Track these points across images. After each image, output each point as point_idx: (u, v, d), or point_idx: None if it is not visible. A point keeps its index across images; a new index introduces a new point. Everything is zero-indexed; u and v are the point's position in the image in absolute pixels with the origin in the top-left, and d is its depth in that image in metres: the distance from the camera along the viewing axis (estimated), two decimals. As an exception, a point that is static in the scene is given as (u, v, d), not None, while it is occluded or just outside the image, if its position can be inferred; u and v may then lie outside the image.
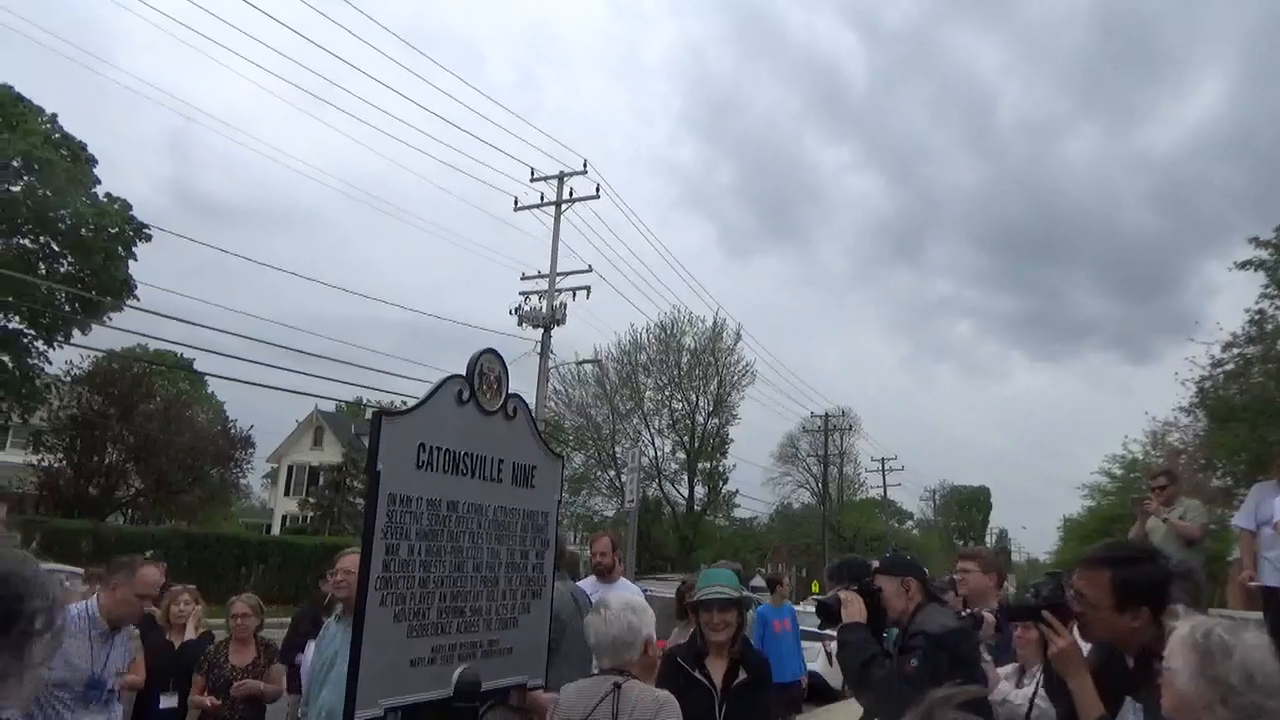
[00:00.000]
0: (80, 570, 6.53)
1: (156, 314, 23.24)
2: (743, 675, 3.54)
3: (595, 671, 3.26)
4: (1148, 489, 8.08)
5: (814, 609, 3.83)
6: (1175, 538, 6.97)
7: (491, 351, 3.71)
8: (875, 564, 3.82)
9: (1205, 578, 7.49)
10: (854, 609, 3.36)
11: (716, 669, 3.56)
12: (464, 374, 3.49)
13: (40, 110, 27.04)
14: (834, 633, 3.82)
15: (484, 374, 3.58)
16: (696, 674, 3.55)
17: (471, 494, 3.45)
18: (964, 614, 4.59)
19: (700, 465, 43.44)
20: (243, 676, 5.23)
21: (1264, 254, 16.15)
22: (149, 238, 28.45)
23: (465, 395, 3.46)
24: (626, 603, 3.28)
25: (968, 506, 72.46)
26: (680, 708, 3.38)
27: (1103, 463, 32.52)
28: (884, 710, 3.22)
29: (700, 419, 42.94)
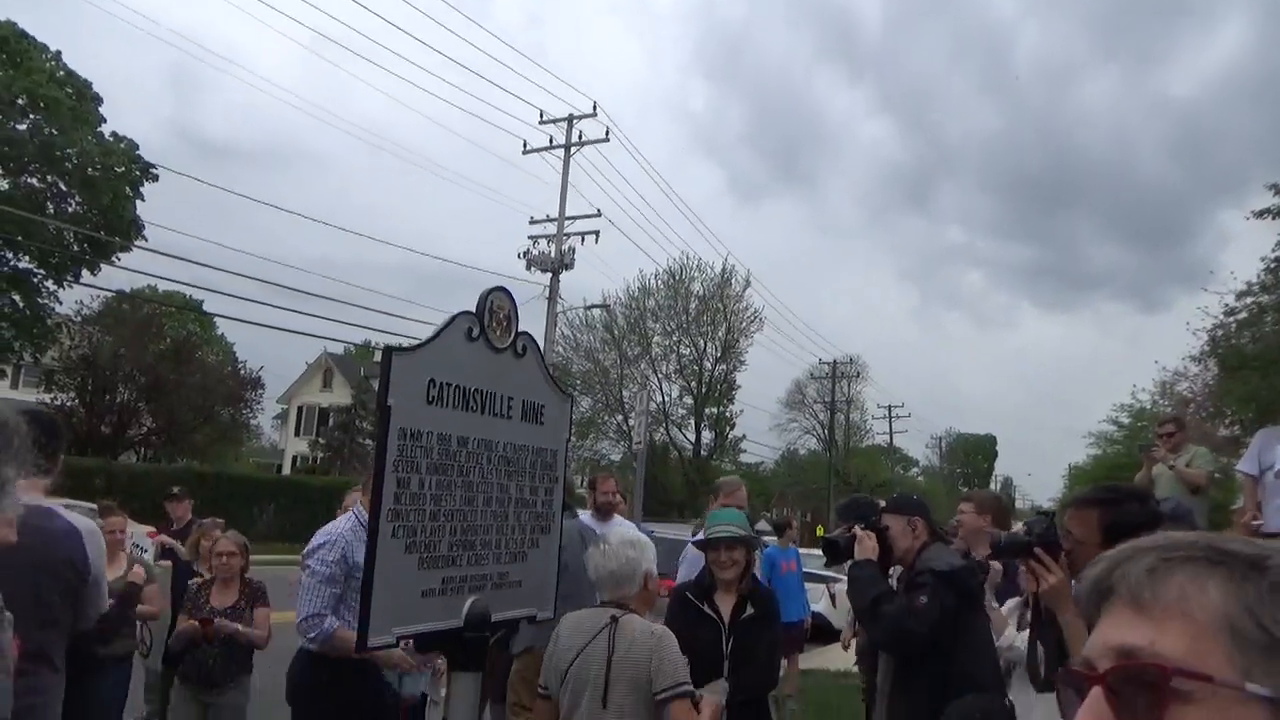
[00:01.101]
0: (94, 506, 6.65)
1: (165, 254, 23.25)
2: (750, 611, 3.60)
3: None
4: (1155, 436, 8.09)
5: (820, 547, 3.87)
6: (1181, 485, 7.00)
7: (501, 289, 3.70)
8: (883, 503, 3.85)
9: (1206, 524, 7.54)
10: (867, 546, 3.40)
11: (725, 604, 3.62)
12: (474, 311, 3.48)
13: (44, 47, 26.71)
14: (836, 575, 3.87)
15: (494, 311, 3.58)
16: (705, 608, 3.61)
17: (481, 430, 3.47)
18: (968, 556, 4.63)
19: (707, 410, 43.68)
20: (207, 638, 4.78)
21: (1281, 201, 15.91)
22: (156, 178, 28.32)
23: (475, 332, 3.46)
24: (625, 538, 3.34)
25: (973, 454, 72.85)
26: (689, 641, 3.44)
27: (1111, 412, 32.57)
28: (893, 643, 3.27)
29: (708, 365, 43.08)
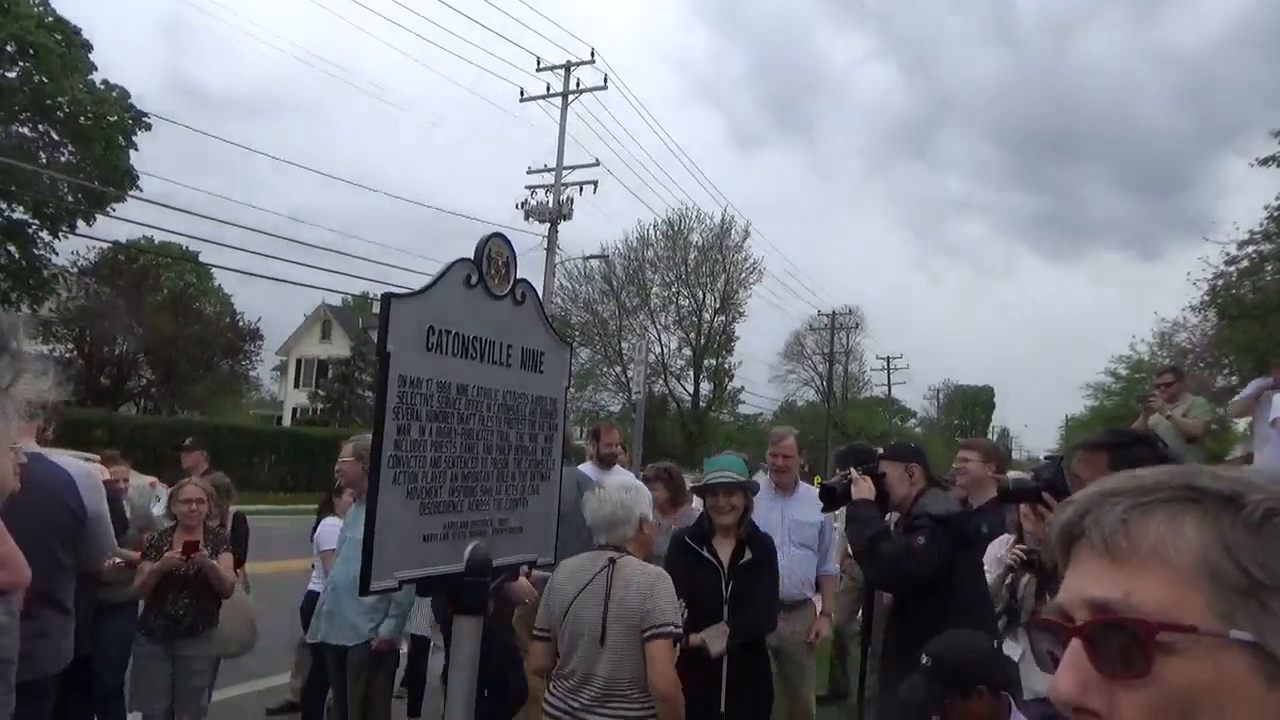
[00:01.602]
0: (96, 457, 6.67)
1: (160, 204, 23.01)
2: (749, 555, 3.64)
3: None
4: (1153, 387, 8.12)
5: (819, 495, 3.90)
6: (1177, 434, 7.04)
7: (499, 236, 3.67)
8: (880, 451, 3.87)
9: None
10: (864, 487, 3.44)
11: (723, 549, 3.66)
12: (471, 258, 3.46)
13: (31, -9, 26.19)
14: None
15: (492, 258, 3.56)
16: (704, 553, 3.65)
17: (481, 377, 3.47)
18: (965, 503, 4.67)
19: (706, 362, 43.74)
20: (185, 568, 4.55)
21: (1287, 149, 15.73)
22: (149, 126, 27.99)
23: (473, 279, 3.44)
24: (621, 483, 3.38)
25: (971, 406, 73.14)
26: (689, 585, 3.48)
27: (1109, 363, 32.64)
28: (890, 581, 3.32)
29: (707, 316, 43.04)
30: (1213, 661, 0.60)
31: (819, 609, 5.03)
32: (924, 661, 2.62)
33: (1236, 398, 6.44)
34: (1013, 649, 2.65)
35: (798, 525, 4.80)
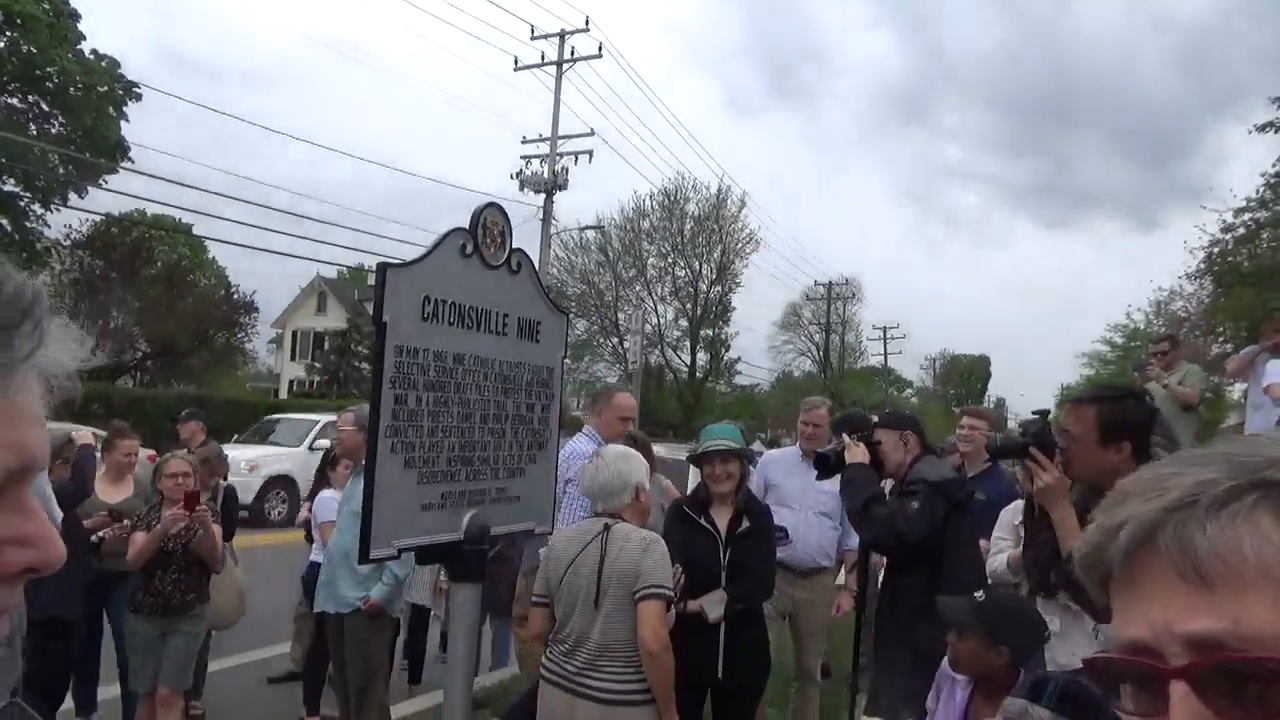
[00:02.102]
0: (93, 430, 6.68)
1: (152, 176, 22.83)
2: (746, 523, 3.66)
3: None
4: (1149, 355, 8.16)
5: (814, 462, 3.93)
6: (1173, 403, 7.08)
7: (494, 205, 3.66)
8: (876, 419, 3.89)
9: (1192, 443, 7.67)
10: (858, 452, 3.46)
11: (721, 517, 3.69)
12: (467, 228, 3.45)
13: (16, -40, 25.79)
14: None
15: (487, 227, 3.54)
16: (701, 521, 3.67)
17: (477, 347, 3.47)
18: (960, 470, 4.71)
19: (703, 332, 43.72)
20: (173, 543, 4.50)
21: (1285, 116, 15.66)
22: (139, 97, 27.69)
23: (469, 249, 3.44)
24: (618, 452, 3.40)
25: (967, 375, 73.28)
26: (687, 553, 3.51)
27: (1105, 332, 32.70)
28: (885, 543, 3.36)
29: (703, 286, 42.94)
30: None
31: (840, 582, 5.05)
32: (978, 595, 2.64)
33: (1233, 356, 6.45)
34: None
35: (819, 493, 4.78)
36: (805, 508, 4.88)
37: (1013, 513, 3.54)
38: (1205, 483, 0.58)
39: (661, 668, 2.96)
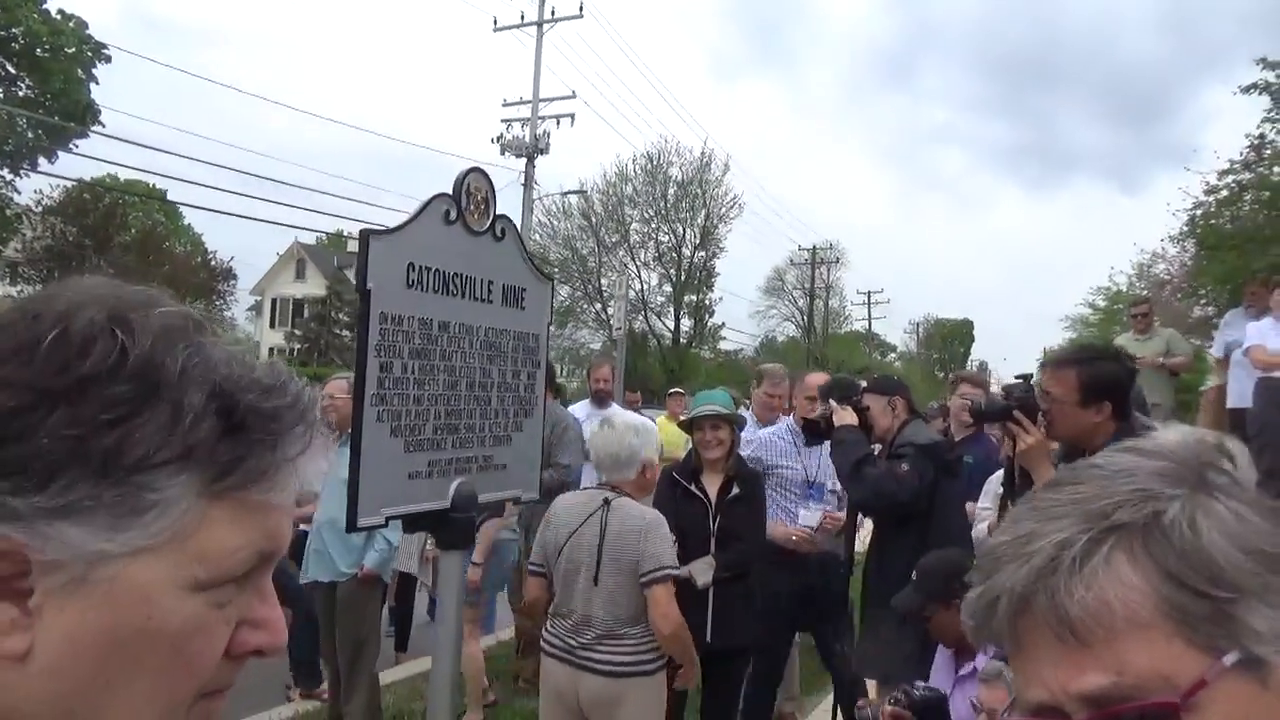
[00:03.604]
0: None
1: (124, 141, 22.42)
2: (736, 490, 3.66)
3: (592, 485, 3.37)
4: (1130, 317, 8.24)
5: (801, 427, 3.93)
6: (1157, 372, 7.17)
7: (478, 170, 3.60)
8: (864, 384, 3.89)
9: (1173, 403, 7.76)
10: (846, 415, 3.46)
11: (711, 483, 3.69)
12: (450, 193, 3.40)
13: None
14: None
15: (471, 193, 3.49)
16: (692, 488, 3.67)
17: (462, 314, 3.43)
18: (947, 434, 4.73)
19: (686, 298, 43.68)
20: None
21: (1270, 76, 15.61)
22: (108, 59, 27.09)
23: (453, 215, 3.38)
24: (630, 424, 3.35)
25: (950, 339, 73.70)
26: (677, 519, 3.51)
27: (1087, 295, 32.88)
28: (875, 503, 3.38)
29: (687, 252, 42.83)
30: (1226, 694, 0.59)
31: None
32: (913, 575, 2.71)
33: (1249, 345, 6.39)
34: None
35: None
36: (822, 482, 4.87)
37: (996, 482, 3.57)
38: (1063, 543, 0.62)
39: (679, 643, 2.99)
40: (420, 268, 3.22)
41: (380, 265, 3.06)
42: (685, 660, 3.08)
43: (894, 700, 2.49)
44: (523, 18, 25.49)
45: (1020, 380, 2.89)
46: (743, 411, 5.07)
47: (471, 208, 3.49)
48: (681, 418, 4.73)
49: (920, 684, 2.81)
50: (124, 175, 32.77)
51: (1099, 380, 2.60)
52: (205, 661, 0.58)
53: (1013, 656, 0.67)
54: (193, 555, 0.56)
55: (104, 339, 0.54)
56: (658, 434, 3.38)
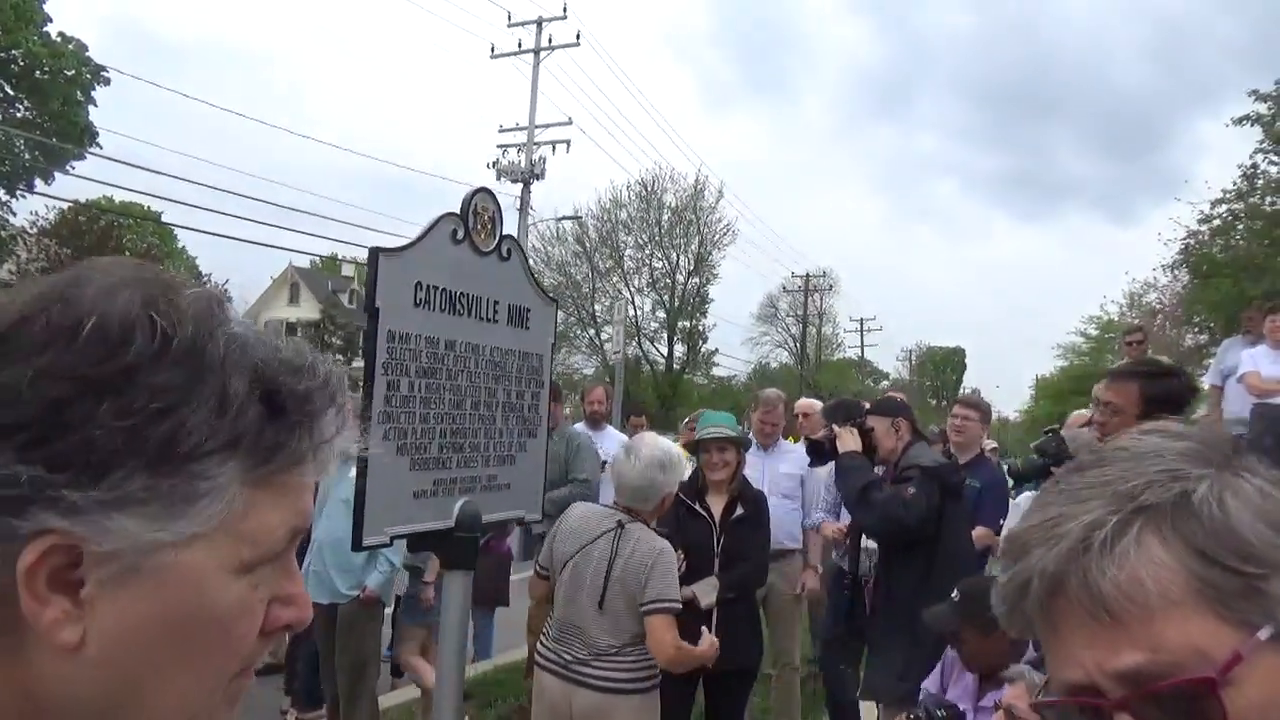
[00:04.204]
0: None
1: (121, 162, 22.42)
2: (740, 511, 3.66)
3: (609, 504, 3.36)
4: (1124, 344, 8.29)
5: (806, 449, 3.93)
6: None
7: (485, 190, 3.63)
8: (867, 405, 3.90)
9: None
10: (849, 440, 3.46)
11: (716, 504, 3.69)
12: (458, 213, 3.42)
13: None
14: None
15: (478, 213, 3.52)
16: (696, 507, 3.67)
17: (468, 334, 3.45)
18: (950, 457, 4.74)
19: (680, 324, 43.77)
20: None
21: (1262, 108, 15.87)
22: (107, 81, 27.19)
23: (460, 234, 3.40)
24: (656, 459, 3.15)
25: (943, 366, 73.87)
26: (681, 539, 3.50)
27: (1079, 323, 33.07)
28: (883, 529, 3.36)
29: (680, 278, 43.02)
30: (1261, 668, 0.59)
31: (807, 561, 5.07)
32: (954, 595, 2.68)
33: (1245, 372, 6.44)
34: None
35: (779, 477, 4.83)
36: (766, 493, 4.91)
37: (1027, 500, 3.57)
38: (1092, 524, 0.62)
39: (679, 666, 2.99)
40: (428, 287, 3.23)
41: (389, 284, 3.07)
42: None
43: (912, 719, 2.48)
44: (520, 45, 25.71)
45: (1050, 435, 2.91)
46: None
47: (478, 227, 3.51)
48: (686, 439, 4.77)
49: (932, 695, 2.80)
50: (119, 197, 32.83)
51: (1162, 395, 2.59)
52: (248, 641, 0.59)
53: (1046, 639, 0.67)
54: (239, 538, 0.56)
55: (143, 324, 0.54)
56: (684, 464, 3.28)
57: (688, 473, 3.73)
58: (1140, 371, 2.74)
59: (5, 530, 0.50)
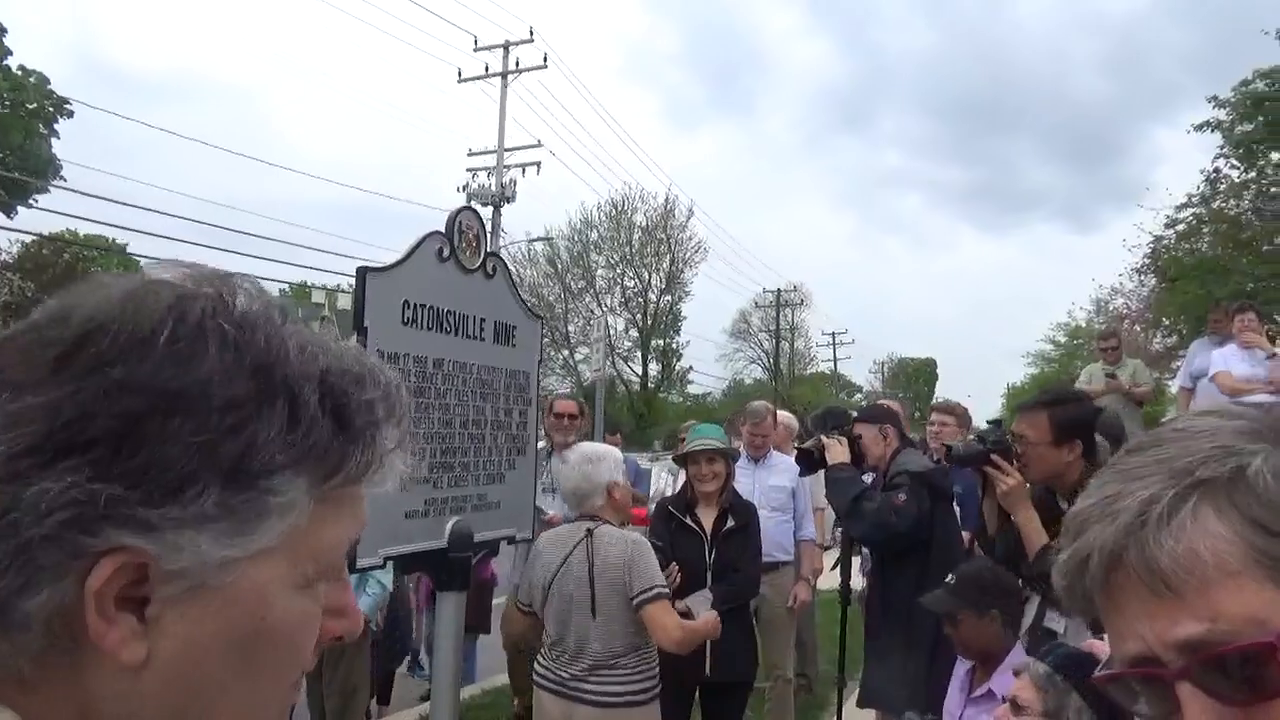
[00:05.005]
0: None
1: (85, 194, 22.14)
2: (731, 522, 3.67)
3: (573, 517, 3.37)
4: (1099, 350, 8.42)
5: (796, 458, 3.95)
6: (1122, 398, 7.31)
7: (469, 209, 3.66)
8: (855, 414, 3.92)
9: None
10: (838, 451, 3.49)
11: (706, 516, 3.69)
12: (443, 231, 3.42)
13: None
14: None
15: (463, 231, 3.52)
16: (687, 520, 3.66)
17: (456, 352, 3.44)
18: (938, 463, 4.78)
19: (654, 342, 43.86)
20: None
21: (1221, 114, 16.28)
22: (71, 114, 26.94)
23: (445, 252, 3.41)
24: (583, 454, 3.38)
25: (915, 378, 74.48)
26: (673, 553, 3.50)
27: (1048, 331, 33.55)
28: (876, 537, 3.38)
29: (653, 296, 43.15)
30: None
31: (799, 573, 5.08)
32: (948, 579, 2.72)
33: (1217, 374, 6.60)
34: (1053, 622, 2.75)
35: (769, 490, 4.84)
36: (757, 506, 4.93)
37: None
38: (1149, 500, 0.64)
39: (690, 646, 3.03)
40: (415, 305, 3.23)
41: (377, 303, 3.05)
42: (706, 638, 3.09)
43: None
44: (487, 69, 25.78)
45: (992, 425, 2.98)
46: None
47: (463, 245, 3.51)
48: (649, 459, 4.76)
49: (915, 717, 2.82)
50: (85, 229, 32.44)
51: (1070, 421, 2.72)
52: (306, 654, 0.58)
53: (1106, 614, 0.69)
54: (304, 554, 0.56)
55: (216, 334, 0.53)
56: (617, 453, 3.40)
57: (676, 486, 3.74)
58: (1046, 401, 2.84)
59: (76, 548, 0.49)
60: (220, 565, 0.52)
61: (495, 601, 5.93)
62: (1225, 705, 0.61)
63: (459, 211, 3.52)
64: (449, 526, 3.31)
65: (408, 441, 0.62)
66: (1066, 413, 2.73)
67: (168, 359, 0.51)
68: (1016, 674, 1.97)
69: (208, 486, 0.50)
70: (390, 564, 3.30)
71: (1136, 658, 0.66)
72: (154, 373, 0.50)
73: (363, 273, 3.07)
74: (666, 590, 3.04)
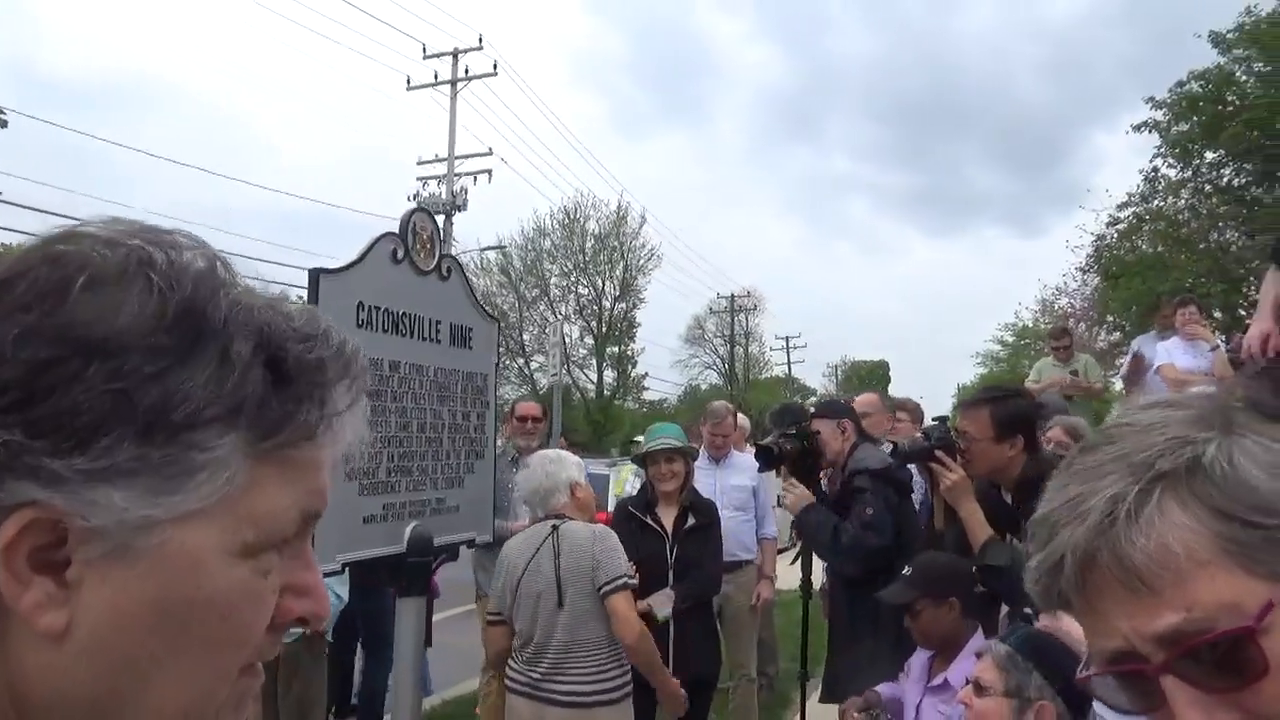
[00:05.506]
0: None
1: (22, 207, 21.52)
2: (692, 521, 3.66)
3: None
4: (1051, 349, 8.60)
5: (755, 454, 3.95)
6: (1077, 394, 7.48)
7: (423, 210, 3.64)
8: (812, 409, 3.94)
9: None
10: (799, 494, 3.47)
11: (667, 516, 3.69)
12: (396, 233, 3.38)
13: None
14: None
15: (417, 233, 3.49)
16: (648, 520, 3.65)
17: (412, 354, 3.40)
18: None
19: (609, 350, 43.81)
20: None
21: (1158, 115, 16.79)
22: (4, 124, 26.18)
23: (400, 254, 3.37)
24: (544, 456, 3.45)
25: (868, 380, 75.34)
26: (634, 553, 3.49)
27: (996, 331, 34.20)
28: (864, 564, 3.33)
29: (607, 304, 43.09)
30: None
31: (761, 572, 5.09)
32: (905, 570, 2.74)
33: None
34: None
35: (730, 489, 4.86)
36: (719, 506, 4.95)
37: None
38: (1114, 498, 0.65)
39: (645, 654, 2.98)
40: (370, 307, 3.19)
41: (330, 305, 3.00)
42: (657, 678, 3.06)
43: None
44: (436, 77, 25.62)
45: (937, 422, 3.03)
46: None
47: (418, 247, 3.47)
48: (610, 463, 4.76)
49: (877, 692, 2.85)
50: (19, 242, 31.46)
51: (1011, 416, 2.77)
52: (253, 632, 0.55)
53: (1082, 614, 0.69)
54: (242, 518, 0.52)
55: (139, 282, 0.50)
56: (574, 458, 3.46)
57: (635, 486, 3.73)
58: (987, 398, 2.90)
59: None
60: (143, 525, 0.48)
61: (437, 617, 5.90)
62: (1211, 694, 0.62)
63: (412, 213, 3.48)
64: (408, 531, 3.27)
65: (362, 404, 0.58)
66: (1007, 409, 2.79)
67: (85, 304, 0.48)
68: (979, 656, 1.99)
69: (121, 437, 0.47)
70: (347, 571, 3.24)
71: (1117, 653, 0.66)
72: (68, 318, 0.48)
73: (316, 275, 3.02)
74: (633, 581, 3.04)
